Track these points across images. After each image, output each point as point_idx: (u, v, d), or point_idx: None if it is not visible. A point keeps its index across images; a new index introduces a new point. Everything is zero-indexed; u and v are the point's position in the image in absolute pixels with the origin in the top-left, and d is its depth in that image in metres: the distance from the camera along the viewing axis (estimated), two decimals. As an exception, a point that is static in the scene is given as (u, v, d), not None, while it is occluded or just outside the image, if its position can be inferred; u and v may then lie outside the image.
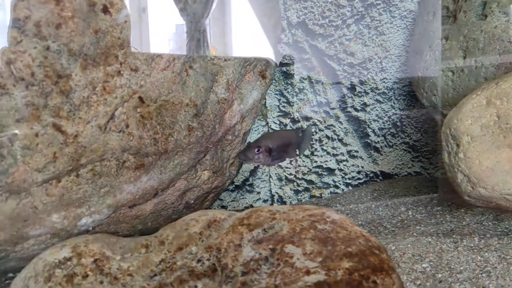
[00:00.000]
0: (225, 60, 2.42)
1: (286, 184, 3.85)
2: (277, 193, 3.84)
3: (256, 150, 2.25)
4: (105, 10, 1.98)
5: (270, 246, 1.80)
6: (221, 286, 1.76)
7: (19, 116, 1.83)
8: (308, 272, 1.66)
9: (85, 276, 1.87)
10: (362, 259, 1.70)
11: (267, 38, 3.59)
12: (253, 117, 2.62)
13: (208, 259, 1.83)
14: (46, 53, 1.85)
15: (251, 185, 3.81)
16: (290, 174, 3.83)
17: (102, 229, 2.18)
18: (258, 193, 3.83)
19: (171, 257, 1.90)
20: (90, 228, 2.13)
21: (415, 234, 2.61)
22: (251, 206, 3.82)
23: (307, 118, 3.78)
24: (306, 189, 3.84)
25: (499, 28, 2.87)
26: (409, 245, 2.34)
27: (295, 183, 3.84)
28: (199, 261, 1.83)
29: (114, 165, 2.05)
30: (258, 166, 3.78)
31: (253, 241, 1.84)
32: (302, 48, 3.73)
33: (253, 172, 3.79)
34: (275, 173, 3.84)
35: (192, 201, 2.43)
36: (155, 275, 1.85)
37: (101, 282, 1.86)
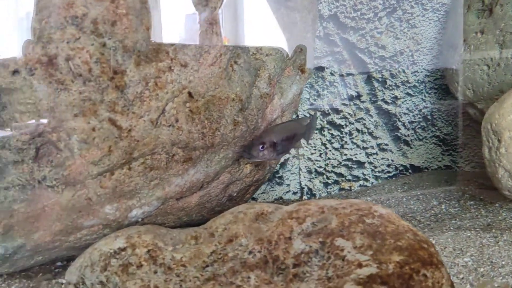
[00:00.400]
0: (267, 55, 2.45)
1: (315, 177, 3.89)
2: (306, 185, 3.88)
3: (260, 147, 2.22)
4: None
5: (320, 239, 1.84)
6: (273, 278, 1.82)
7: (77, 111, 1.89)
8: (360, 265, 1.71)
9: (140, 266, 1.93)
10: (412, 253, 1.74)
11: (300, 32, 3.61)
12: (292, 111, 2.66)
13: (259, 251, 1.88)
14: (103, 49, 1.90)
15: (281, 177, 3.85)
16: (320, 167, 3.87)
17: (150, 220, 2.24)
18: (288, 185, 3.88)
19: (222, 248, 1.95)
20: (140, 220, 2.19)
21: (451, 228, 2.63)
22: (281, 198, 3.87)
23: (337, 111, 3.81)
24: (336, 182, 3.88)
25: (537, 22, 2.86)
26: (449, 239, 2.38)
27: (324, 176, 3.88)
28: (250, 252, 1.89)
29: (164, 158, 2.10)
30: (288, 158, 3.82)
31: (302, 234, 1.89)
32: (333, 41, 3.75)
33: (283, 164, 3.84)
34: (305, 166, 3.88)
35: (235, 194, 2.49)
36: (207, 266, 1.91)
37: (155, 272, 1.93)
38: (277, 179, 3.84)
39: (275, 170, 3.80)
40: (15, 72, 1.83)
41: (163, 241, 2.03)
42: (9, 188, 1.96)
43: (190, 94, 2.10)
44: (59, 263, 2.43)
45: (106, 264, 1.95)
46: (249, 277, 1.81)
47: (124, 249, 1.97)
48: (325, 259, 1.80)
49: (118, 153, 1.98)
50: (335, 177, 3.87)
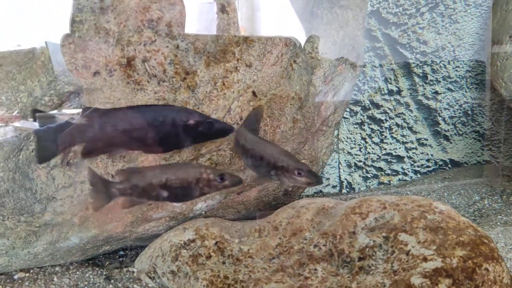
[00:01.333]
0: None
1: (355, 171, 3.96)
2: (346, 179, 3.96)
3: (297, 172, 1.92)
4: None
5: (384, 234, 1.93)
6: (339, 270, 1.91)
7: (151, 110, 1.99)
8: (425, 259, 1.79)
9: (209, 257, 2.05)
10: (474, 248, 1.81)
11: (352, 30, 3.64)
12: (344, 107, 2.73)
13: (324, 245, 1.97)
14: (176, 51, 1.99)
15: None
16: (360, 161, 3.93)
17: (212, 213, 2.35)
18: (327, 179, 3.95)
19: (287, 241, 2.05)
20: (203, 212, 2.30)
21: (499, 223, 2.69)
22: (321, 191, 3.95)
23: (377, 106, 3.86)
24: (375, 176, 3.95)
25: None
26: (499, 235, 2.44)
27: (364, 170, 3.95)
28: (315, 246, 1.98)
29: (228, 154, 2.20)
30: (328, 152, 3.90)
31: (366, 229, 1.98)
32: (375, 36, 3.79)
33: (322, 157, 3.91)
34: (345, 160, 3.95)
35: (290, 189, 2.58)
36: (273, 258, 2.01)
37: (223, 263, 2.03)
38: (317, 172, 3.92)
39: (315, 164, 3.88)
40: (96, 73, 1.94)
41: (229, 234, 2.14)
42: (85, 181, 2.08)
43: (254, 93, 2.18)
44: (121, 252, 2.56)
45: (177, 255, 2.07)
46: (316, 269, 1.91)
47: (193, 241, 2.08)
48: (389, 253, 1.88)
49: (189, 149, 2.08)
50: (374, 171, 3.93)
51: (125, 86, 1.95)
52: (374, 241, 1.92)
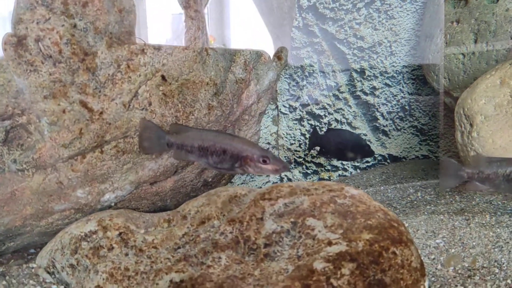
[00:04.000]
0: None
1: (295, 167, 3.91)
2: (286, 175, 3.90)
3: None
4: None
5: (292, 220, 1.85)
6: (244, 258, 1.82)
7: (47, 93, 1.87)
8: (330, 243, 1.72)
9: (111, 249, 1.93)
10: (382, 231, 1.76)
11: (275, 23, 3.62)
12: (269, 97, 2.67)
13: (231, 232, 1.88)
14: (73, 30, 1.88)
15: (261, 167, 3.85)
16: (299, 157, 3.88)
17: (123, 205, 2.23)
18: (268, 176, 3.89)
19: (194, 230, 1.95)
20: (113, 204, 2.18)
21: (425, 213, 2.67)
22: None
23: (316, 102, 3.82)
24: (315, 172, 3.90)
25: (511, 10, 2.90)
26: (421, 222, 2.41)
27: (304, 166, 3.90)
28: (222, 233, 1.89)
29: (137, 142, 2.09)
30: (267, 149, 3.83)
31: (274, 214, 1.90)
32: (313, 32, 3.76)
33: (262, 154, 3.84)
34: (285, 156, 3.89)
35: (210, 179, 2.49)
36: (179, 247, 1.91)
37: (126, 254, 1.92)
38: (256, 170, 3.84)
39: (254, 161, 3.80)
40: (-17, 52, 1.81)
41: (135, 224, 2.03)
42: (-21, 171, 1.94)
43: (163, 77, 2.09)
44: (32, 250, 2.40)
45: (76, 247, 1.94)
46: (220, 257, 1.81)
47: (95, 232, 1.96)
48: (296, 239, 1.81)
49: (90, 136, 1.97)
50: (314, 167, 3.89)
51: (16, 67, 1.83)
52: (282, 226, 1.85)
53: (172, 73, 2.11)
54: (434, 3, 3.53)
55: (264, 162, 1.88)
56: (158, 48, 2.06)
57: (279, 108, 3.83)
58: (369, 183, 3.63)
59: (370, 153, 3.18)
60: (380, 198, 3.30)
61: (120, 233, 1.96)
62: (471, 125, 2.36)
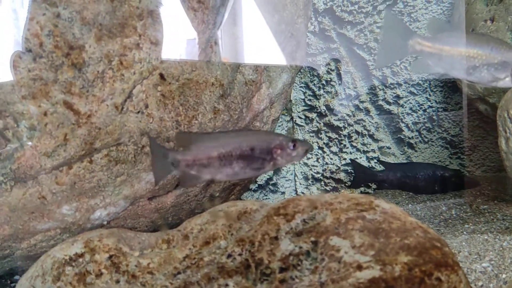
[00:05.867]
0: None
1: (312, 184, 3.60)
2: (303, 193, 3.58)
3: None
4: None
5: (312, 239, 1.55)
6: (256, 285, 1.52)
7: (25, 92, 1.62)
8: (359, 267, 1.41)
9: (99, 275, 1.64)
10: (423, 253, 1.44)
11: (289, 20, 3.36)
12: (283, 102, 2.39)
13: (240, 254, 1.58)
14: (57, 21, 1.64)
15: (275, 184, 3.56)
16: (317, 172, 3.57)
17: (118, 223, 1.95)
18: (283, 193, 3.58)
19: (197, 252, 1.66)
20: (105, 222, 1.90)
21: (465, 232, 2.33)
22: (276, 206, 3.57)
23: (335, 112, 3.53)
24: (335, 189, 3.58)
25: (552, 5, 2.60)
26: (463, 243, 2.07)
27: (322, 182, 3.58)
28: (229, 256, 1.59)
29: (132, 150, 1.82)
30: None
31: (291, 233, 1.60)
32: (329, 36, 3.50)
33: (277, 171, 3.54)
34: (301, 172, 3.59)
35: (217, 194, 2.19)
36: (179, 272, 1.61)
37: (117, 281, 1.63)
38: (271, 187, 3.55)
39: (268, 177, 3.51)
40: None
41: (129, 246, 1.74)
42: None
43: (162, 76, 1.83)
44: (17, 277, 2.13)
45: (59, 273, 1.66)
46: (227, 284, 1.51)
47: (81, 255, 1.68)
48: (318, 262, 1.50)
49: (76, 142, 1.70)
50: (334, 183, 3.57)
51: (-11, 61, 1.58)
52: (300, 247, 1.54)
53: (172, 72, 1.84)
54: (463, 2, 3.24)
55: (294, 146, 1.70)
56: (156, 43, 1.81)
57: (294, 119, 3.55)
58: (395, 200, 3.29)
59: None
60: (409, 217, 2.96)
61: (110, 256, 1.67)
62: (518, 129, 2.04)
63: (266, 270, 1.52)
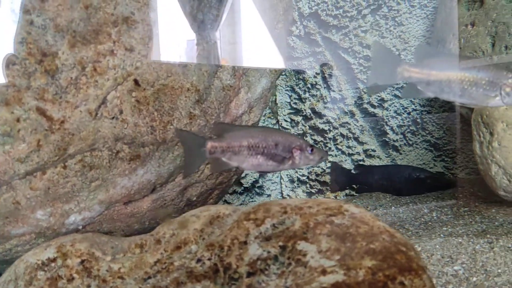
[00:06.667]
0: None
1: (298, 186, 3.62)
2: (288, 195, 3.60)
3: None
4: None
5: (280, 243, 1.56)
6: (223, 290, 1.53)
7: (-2, 99, 1.64)
8: (324, 272, 1.43)
9: (71, 279, 1.66)
10: (387, 257, 1.46)
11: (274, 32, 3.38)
12: (262, 107, 2.40)
13: (209, 259, 1.60)
14: (30, 28, 1.65)
15: (260, 187, 3.58)
16: (303, 175, 3.59)
17: (94, 228, 1.96)
18: (269, 195, 3.60)
19: (167, 257, 1.67)
20: (80, 227, 1.92)
21: (442, 235, 2.35)
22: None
23: (320, 115, 3.55)
24: (320, 191, 3.60)
25: (531, 10, 2.63)
26: (437, 246, 2.09)
27: (308, 185, 3.60)
28: (199, 260, 1.60)
29: (106, 155, 1.84)
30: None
31: (260, 237, 1.61)
32: (315, 40, 3.52)
33: (262, 173, 3.56)
34: (287, 175, 3.60)
35: (195, 198, 2.21)
36: (150, 277, 1.63)
37: (88, 286, 1.64)
38: (257, 189, 3.57)
39: (254, 180, 3.53)
40: None
41: (101, 250, 1.75)
42: None
43: (136, 82, 1.84)
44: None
45: (31, 278, 1.67)
46: (195, 289, 1.53)
47: (53, 260, 1.69)
48: (285, 266, 1.52)
49: (49, 148, 1.72)
50: (319, 186, 3.59)
51: (-39, 68, 1.60)
52: (268, 252, 1.56)
53: (147, 78, 1.86)
54: (446, 7, 3.27)
55: (312, 151, 1.86)
56: (130, 49, 1.82)
57: (280, 122, 3.57)
58: (379, 203, 3.31)
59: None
60: (391, 219, 2.98)
61: (82, 261, 1.68)
62: (491, 134, 2.06)
63: (234, 274, 1.54)
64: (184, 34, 2.35)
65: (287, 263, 1.52)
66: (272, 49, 3.34)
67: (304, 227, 1.60)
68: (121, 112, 1.82)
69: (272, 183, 3.60)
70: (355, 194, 3.56)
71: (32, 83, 1.67)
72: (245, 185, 3.53)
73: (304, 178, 3.59)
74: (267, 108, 3.55)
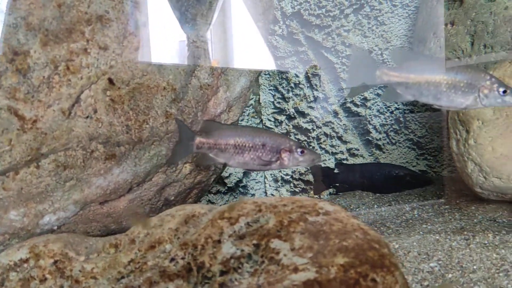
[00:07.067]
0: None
1: (282, 185, 3.62)
2: (272, 194, 3.60)
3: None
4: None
5: (254, 242, 1.56)
6: (196, 289, 1.53)
7: (-32, 98, 1.62)
8: (296, 270, 1.42)
9: (43, 280, 1.64)
10: (360, 254, 1.46)
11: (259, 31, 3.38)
12: (242, 106, 2.40)
13: (182, 258, 1.59)
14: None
15: (244, 186, 3.57)
16: (287, 174, 3.59)
17: (69, 228, 1.95)
18: (253, 195, 3.60)
19: (141, 256, 1.66)
20: (55, 228, 1.90)
21: (421, 232, 2.36)
22: (246, 209, 3.58)
23: (303, 115, 3.55)
24: (304, 190, 3.60)
25: (510, 9, 2.65)
26: (414, 243, 2.10)
27: (291, 184, 3.60)
28: (172, 260, 1.59)
29: (81, 155, 1.82)
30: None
31: (234, 236, 1.61)
32: (298, 40, 3.52)
33: (246, 173, 3.56)
34: (271, 174, 3.60)
35: (173, 198, 2.20)
36: (123, 277, 1.62)
37: (61, 286, 1.63)
38: (241, 189, 3.56)
39: (238, 179, 3.53)
40: None
41: (75, 251, 1.74)
42: None
43: (111, 80, 1.83)
44: (-29, 282, 2.12)
45: (3, 279, 1.66)
46: (167, 289, 1.52)
47: (26, 261, 1.68)
48: (258, 264, 1.51)
49: (22, 148, 1.70)
50: (303, 185, 3.59)
51: None
52: (242, 250, 1.55)
53: (121, 76, 1.85)
54: (427, 6, 3.28)
55: (302, 152, 1.89)
56: (105, 48, 1.81)
57: (263, 122, 3.56)
58: (362, 201, 3.32)
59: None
60: (373, 217, 2.99)
61: (55, 261, 1.67)
62: (467, 131, 2.07)
63: (208, 273, 1.53)
64: (175, 34, 2.35)
65: (260, 261, 1.51)
66: (262, 49, 3.36)
67: (278, 225, 1.59)
68: (95, 111, 1.81)
69: (256, 182, 3.59)
70: (339, 193, 3.56)
71: (3, 82, 1.65)
72: (229, 185, 3.52)
73: (288, 177, 3.59)
74: (251, 107, 3.55)
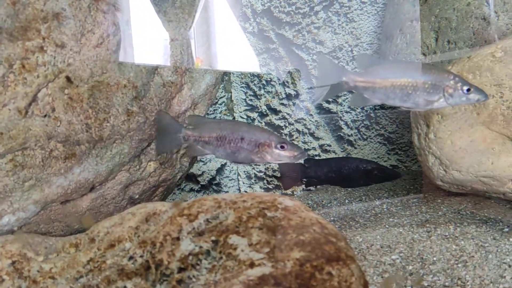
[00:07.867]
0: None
1: (255, 182, 3.62)
2: (246, 192, 3.61)
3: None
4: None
5: (213, 238, 1.56)
6: (155, 286, 1.52)
7: None
8: (252, 265, 1.43)
9: (1, 281, 1.62)
10: (316, 248, 1.47)
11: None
12: (207, 103, 2.39)
13: (141, 256, 1.58)
14: (-50, 24, 1.61)
15: (218, 184, 3.57)
16: (260, 171, 3.60)
17: (30, 229, 1.92)
18: (226, 192, 3.60)
19: (100, 255, 1.65)
20: (15, 228, 1.87)
21: (387, 226, 2.39)
22: (219, 207, 3.57)
23: (275, 112, 3.57)
24: (277, 187, 3.62)
25: (472, 5, 2.69)
26: (378, 237, 2.12)
27: (265, 181, 3.61)
28: (131, 258, 1.59)
29: (39, 154, 1.80)
30: (226, 163, 3.55)
31: (193, 233, 1.61)
32: (268, 37, 3.53)
33: (220, 170, 3.56)
34: (244, 171, 3.61)
35: (137, 196, 2.19)
36: (81, 276, 1.60)
37: (19, 287, 1.61)
38: (214, 186, 3.56)
39: (211, 177, 3.52)
40: None
41: (34, 251, 1.72)
42: None
43: (68, 78, 1.81)
44: None
45: (-41, 282, 1.63)
46: (125, 287, 1.51)
47: (-17, 262, 1.65)
48: (216, 261, 1.51)
49: (-24, 148, 1.68)
50: (276, 182, 3.60)
51: None
52: (200, 247, 1.55)
53: (80, 74, 1.83)
54: (393, 3, 3.32)
55: (282, 148, 1.91)
56: (62, 45, 1.79)
57: (236, 119, 3.56)
58: (334, 196, 3.35)
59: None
60: (344, 212, 3.02)
61: (13, 262, 1.65)
62: (427, 126, 2.10)
63: (166, 270, 1.53)
64: (158, 33, 2.33)
65: (219, 257, 1.51)
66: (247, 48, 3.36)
67: (237, 221, 1.60)
68: (53, 109, 1.79)
69: (230, 179, 3.60)
70: (311, 188, 3.59)
71: (-44, 81, 1.62)
72: (202, 183, 3.52)
73: (261, 174, 3.60)
74: (223, 105, 3.55)
